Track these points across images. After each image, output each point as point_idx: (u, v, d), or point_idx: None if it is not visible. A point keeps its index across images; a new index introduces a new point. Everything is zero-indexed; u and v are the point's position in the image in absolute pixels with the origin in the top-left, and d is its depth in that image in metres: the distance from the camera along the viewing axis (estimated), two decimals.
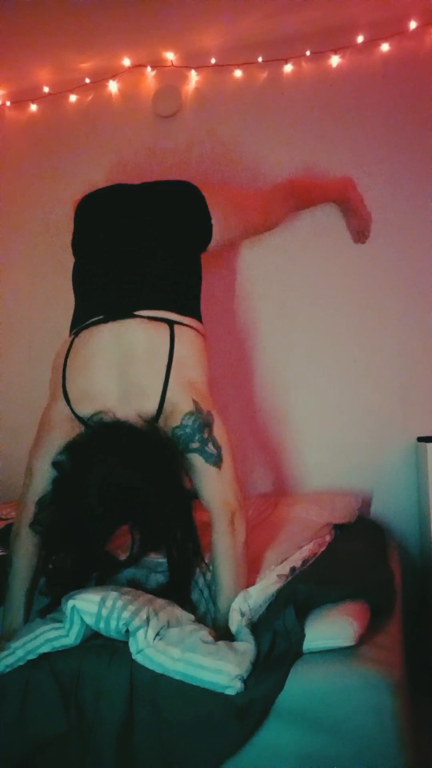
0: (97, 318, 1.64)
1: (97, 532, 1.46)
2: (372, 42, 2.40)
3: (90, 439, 1.52)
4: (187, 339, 1.62)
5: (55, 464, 1.53)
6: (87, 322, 1.66)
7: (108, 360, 1.58)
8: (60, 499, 1.49)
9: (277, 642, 1.30)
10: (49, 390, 1.65)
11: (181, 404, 1.54)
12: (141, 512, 1.44)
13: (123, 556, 1.54)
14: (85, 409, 1.56)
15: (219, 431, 1.56)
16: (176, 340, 1.59)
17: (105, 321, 1.62)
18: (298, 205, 2.27)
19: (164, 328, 1.60)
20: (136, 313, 1.62)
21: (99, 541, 1.50)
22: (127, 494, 1.42)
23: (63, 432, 1.56)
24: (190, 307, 1.73)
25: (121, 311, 1.63)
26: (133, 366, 1.56)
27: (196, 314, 1.74)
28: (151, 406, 1.54)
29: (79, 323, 1.69)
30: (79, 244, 1.88)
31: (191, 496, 1.53)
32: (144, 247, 1.76)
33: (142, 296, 1.66)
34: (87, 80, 2.65)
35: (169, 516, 1.46)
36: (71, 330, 1.71)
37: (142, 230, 1.79)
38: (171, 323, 1.61)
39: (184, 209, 1.87)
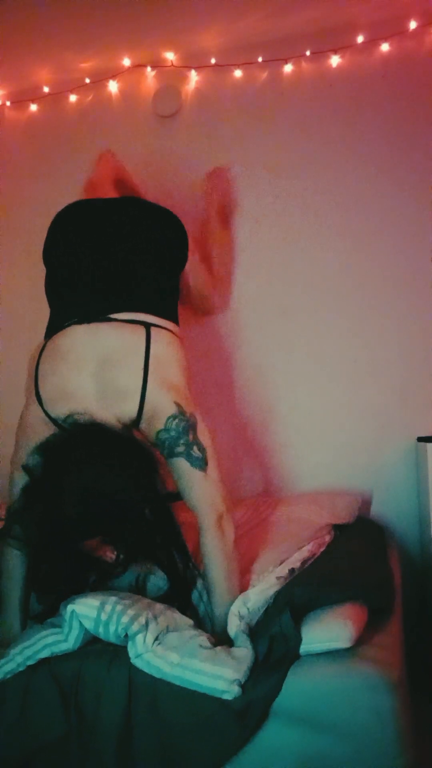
0: (71, 321, 1.61)
1: (75, 538, 1.41)
2: (372, 42, 2.40)
3: (64, 440, 1.47)
4: (163, 341, 1.59)
5: (25, 468, 1.49)
6: (61, 326, 1.62)
7: (83, 359, 1.54)
8: (31, 506, 1.42)
9: (274, 646, 1.30)
10: (25, 394, 1.61)
11: (162, 407, 1.51)
12: (119, 518, 1.40)
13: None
14: (59, 410, 1.51)
15: (202, 434, 1.54)
16: (152, 341, 1.56)
17: (79, 323, 1.59)
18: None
19: (140, 330, 1.57)
20: (112, 316, 1.60)
21: (77, 549, 1.44)
22: (103, 500, 1.37)
23: (37, 435, 1.52)
24: (167, 310, 1.70)
25: (96, 314, 1.60)
26: (109, 366, 1.53)
27: (174, 318, 1.71)
28: (130, 409, 1.51)
29: (54, 329, 1.65)
30: (51, 253, 1.83)
31: (173, 498, 1.51)
32: (120, 254, 1.73)
33: (118, 300, 1.64)
34: (87, 80, 2.65)
35: (148, 521, 1.42)
36: (46, 336, 1.67)
37: (119, 238, 1.77)
38: (147, 325, 1.59)
39: (164, 223, 1.87)
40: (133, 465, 1.43)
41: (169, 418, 1.50)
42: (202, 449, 1.52)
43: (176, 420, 1.50)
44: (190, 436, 1.51)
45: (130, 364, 1.53)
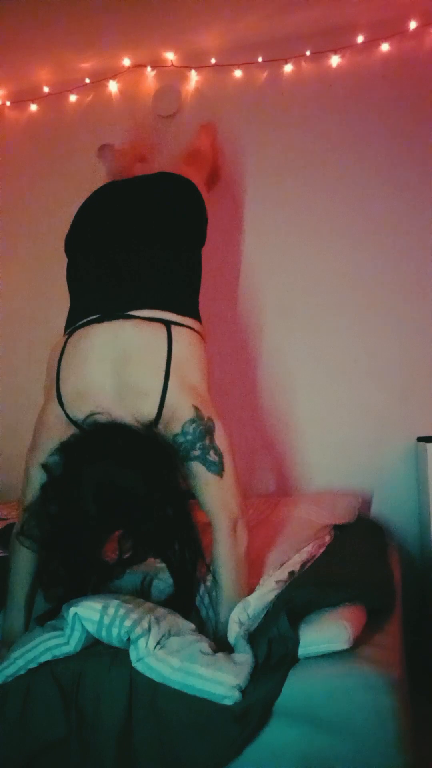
0: (91, 317, 1.60)
1: (90, 538, 1.41)
2: (372, 42, 2.40)
3: (83, 439, 1.47)
4: (185, 340, 1.57)
5: (44, 466, 1.49)
6: (81, 322, 1.61)
7: (103, 359, 1.52)
8: (48, 505, 1.43)
9: (273, 649, 1.30)
10: (44, 391, 1.60)
11: (181, 410, 1.49)
12: (137, 515, 1.39)
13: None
14: (79, 412, 1.50)
15: (220, 438, 1.52)
16: (174, 341, 1.54)
17: (100, 321, 1.58)
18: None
19: (161, 329, 1.55)
20: (132, 312, 1.58)
21: (92, 547, 1.44)
22: (123, 496, 1.37)
23: (58, 434, 1.51)
24: (189, 306, 1.67)
25: (116, 311, 1.58)
26: (130, 366, 1.51)
27: (195, 314, 1.68)
28: (149, 410, 1.49)
29: (74, 323, 1.64)
30: (72, 242, 1.84)
31: (189, 497, 1.50)
32: (140, 242, 1.72)
33: (138, 295, 1.62)
34: (87, 80, 2.65)
35: (168, 519, 1.41)
36: (65, 329, 1.67)
37: (137, 225, 1.75)
38: (168, 324, 1.57)
39: (182, 203, 1.84)
40: (151, 462, 1.41)
41: (186, 423, 1.48)
42: (218, 454, 1.50)
43: (193, 424, 1.48)
44: (207, 441, 1.49)
45: (151, 364, 1.51)
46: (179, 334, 1.56)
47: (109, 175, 2.30)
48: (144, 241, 1.73)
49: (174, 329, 1.56)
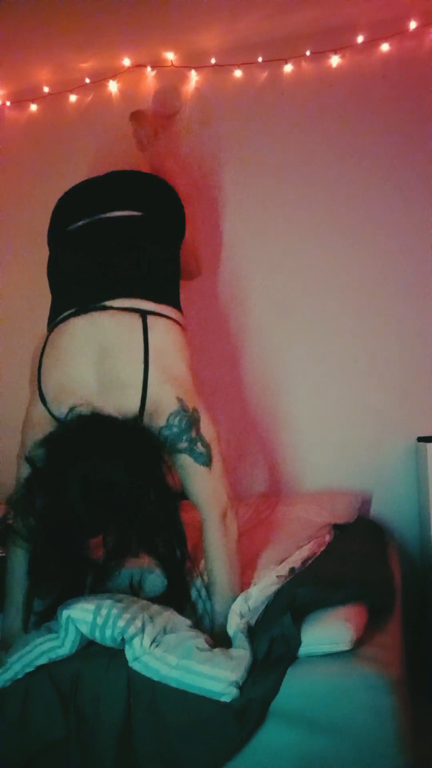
0: (68, 312, 1.59)
1: (78, 532, 1.39)
2: (372, 42, 2.40)
3: (67, 432, 1.45)
4: (162, 329, 1.55)
5: (28, 459, 1.46)
6: (60, 317, 1.60)
7: (83, 353, 1.51)
8: (32, 498, 1.40)
9: (274, 647, 1.30)
10: (29, 390, 1.59)
11: (165, 402, 1.48)
12: (124, 507, 1.37)
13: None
14: (62, 408, 1.49)
15: (206, 428, 1.51)
16: (150, 331, 1.52)
17: (76, 314, 1.56)
18: None
19: (136, 319, 1.53)
20: (107, 303, 1.56)
21: (80, 541, 1.43)
22: (109, 489, 1.35)
23: (42, 432, 1.50)
24: (166, 294, 1.64)
25: (92, 302, 1.56)
26: (109, 360, 1.49)
27: (173, 302, 1.66)
28: (132, 403, 1.47)
29: (54, 318, 1.63)
30: (51, 236, 1.84)
31: (178, 496, 1.48)
32: (116, 235, 1.71)
33: (114, 285, 1.60)
34: (87, 80, 2.65)
35: (154, 509, 1.39)
36: (48, 325, 1.65)
37: (114, 219, 1.75)
38: (143, 313, 1.55)
39: (158, 198, 1.85)
40: (136, 453, 1.40)
41: (171, 415, 1.47)
42: (205, 445, 1.49)
43: (178, 416, 1.47)
44: (193, 432, 1.48)
45: (130, 356, 1.49)
46: (155, 324, 1.54)
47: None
48: (120, 235, 1.72)
49: (150, 319, 1.54)
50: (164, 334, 1.55)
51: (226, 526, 1.50)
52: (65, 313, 1.59)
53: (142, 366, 1.48)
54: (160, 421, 1.48)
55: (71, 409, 1.47)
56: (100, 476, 1.35)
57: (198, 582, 1.54)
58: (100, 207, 1.78)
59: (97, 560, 1.47)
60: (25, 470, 1.48)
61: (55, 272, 1.76)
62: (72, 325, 1.56)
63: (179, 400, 1.49)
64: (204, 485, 1.50)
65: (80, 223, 1.77)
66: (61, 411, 1.49)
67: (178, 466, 1.49)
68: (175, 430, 1.47)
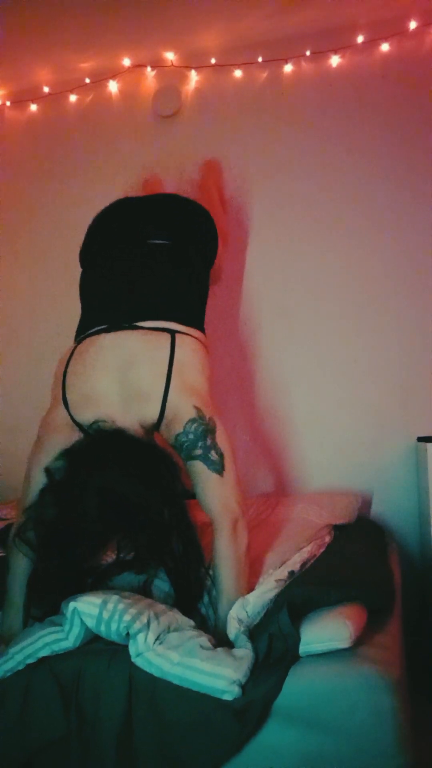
0: (99, 328, 1.65)
1: (89, 543, 1.43)
2: (372, 42, 2.40)
3: (88, 446, 1.50)
4: (188, 346, 1.62)
5: (47, 470, 1.51)
6: (89, 332, 1.66)
7: (108, 366, 1.57)
8: (46, 509, 1.45)
9: (273, 645, 1.30)
10: (51, 396, 1.64)
11: (183, 410, 1.53)
12: (138, 521, 1.42)
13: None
14: (85, 415, 1.54)
15: (221, 438, 1.55)
16: (177, 346, 1.59)
17: (107, 331, 1.63)
18: None
19: (165, 337, 1.60)
20: (138, 324, 1.63)
21: (90, 553, 1.46)
22: (124, 503, 1.39)
23: (62, 438, 1.55)
24: (194, 319, 1.73)
25: (124, 322, 1.63)
26: (134, 370, 1.55)
27: (200, 326, 1.74)
28: (152, 412, 1.53)
29: (82, 332, 1.70)
30: (86, 256, 1.90)
31: (189, 496, 1.52)
32: (151, 259, 1.77)
33: (146, 308, 1.67)
34: (87, 80, 2.65)
35: (167, 524, 1.44)
36: (75, 338, 1.72)
37: (152, 243, 1.81)
38: (173, 332, 1.62)
39: (196, 223, 1.91)
40: (152, 469, 1.45)
41: (188, 422, 1.52)
42: (219, 453, 1.53)
43: (195, 424, 1.52)
44: (209, 440, 1.52)
45: (154, 368, 1.55)
46: (183, 341, 1.62)
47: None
48: (153, 258, 1.79)
49: (178, 336, 1.62)
50: (190, 351, 1.62)
51: (236, 534, 1.52)
52: (95, 328, 1.66)
53: (164, 377, 1.54)
54: (177, 428, 1.52)
55: (94, 422, 1.53)
56: (117, 490, 1.40)
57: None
58: (136, 234, 1.84)
59: (103, 566, 1.50)
60: (41, 479, 1.52)
61: (87, 290, 1.83)
62: (101, 340, 1.62)
63: (197, 408, 1.54)
64: (216, 493, 1.53)
65: (115, 249, 1.83)
66: (84, 418, 1.55)
67: (192, 472, 1.53)
68: (191, 437, 1.51)
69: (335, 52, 2.43)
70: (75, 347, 1.66)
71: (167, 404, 1.53)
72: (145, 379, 1.55)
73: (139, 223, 1.88)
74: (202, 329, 1.75)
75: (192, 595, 1.51)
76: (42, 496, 1.48)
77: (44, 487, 1.49)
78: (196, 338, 1.67)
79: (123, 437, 1.50)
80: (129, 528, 1.43)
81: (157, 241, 1.82)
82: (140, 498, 1.40)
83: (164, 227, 1.86)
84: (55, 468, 1.50)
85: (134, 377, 1.55)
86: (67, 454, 1.51)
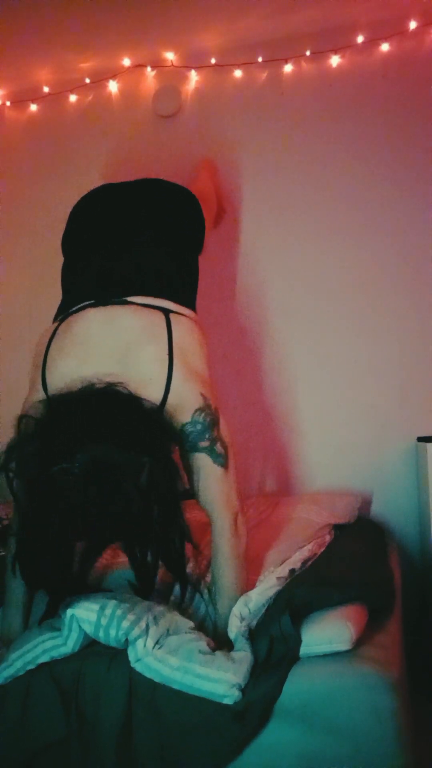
0: (85, 303, 1.53)
1: (71, 517, 1.24)
2: (372, 42, 2.40)
3: (79, 402, 1.31)
4: (184, 327, 1.52)
5: (24, 416, 1.34)
6: (73, 309, 1.53)
7: (100, 343, 1.44)
8: (27, 442, 1.28)
9: (274, 648, 1.29)
10: (29, 382, 1.51)
11: (189, 398, 1.43)
12: (129, 499, 1.25)
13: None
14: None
15: (224, 429, 1.48)
16: (173, 327, 1.49)
17: (95, 306, 1.51)
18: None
19: (159, 316, 1.50)
20: (129, 299, 1.52)
21: (72, 527, 1.27)
22: (116, 478, 1.23)
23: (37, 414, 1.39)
24: (186, 298, 1.63)
25: (112, 296, 1.52)
26: (132, 353, 1.44)
27: (192, 306, 1.65)
28: (153, 398, 1.41)
29: (65, 310, 1.56)
30: (68, 241, 1.82)
31: (187, 496, 1.45)
32: (138, 239, 1.69)
33: (135, 284, 1.57)
34: (87, 80, 2.65)
35: (161, 516, 1.30)
36: (55, 319, 1.58)
37: (136, 225, 1.74)
38: (166, 311, 1.52)
39: (181, 208, 1.85)
40: (157, 445, 1.32)
41: (196, 411, 1.42)
42: (224, 446, 1.47)
43: (203, 413, 1.43)
44: (215, 432, 1.45)
45: (154, 351, 1.45)
46: (178, 322, 1.52)
47: None
48: (141, 240, 1.71)
49: (172, 316, 1.52)
50: (187, 331, 1.52)
51: (237, 530, 1.49)
52: (81, 304, 1.54)
53: (167, 361, 1.44)
54: (184, 417, 1.43)
55: (86, 383, 1.36)
56: (110, 463, 1.23)
57: (200, 585, 1.53)
58: (120, 217, 1.77)
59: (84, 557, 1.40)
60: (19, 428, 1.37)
61: (69, 273, 1.73)
62: (88, 315, 1.50)
63: (203, 396, 1.45)
64: (219, 487, 1.47)
65: (99, 233, 1.76)
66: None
67: (195, 465, 1.45)
68: (199, 427, 1.43)
69: (335, 52, 2.43)
70: (57, 326, 1.52)
71: (171, 389, 1.42)
72: (146, 363, 1.43)
73: (123, 207, 1.80)
74: (194, 309, 1.65)
75: (179, 565, 1.41)
76: (17, 447, 1.31)
77: (19, 438, 1.33)
78: (190, 318, 1.58)
79: (122, 399, 1.34)
80: (119, 505, 1.25)
81: (142, 224, 1.74)
82: (134, 475, 1.25)
83: (149, 210, 1.79)
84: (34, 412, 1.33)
85: (134, 361, 1.43)
86: (51, 400, 1.34)
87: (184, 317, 1.56)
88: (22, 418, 1.36)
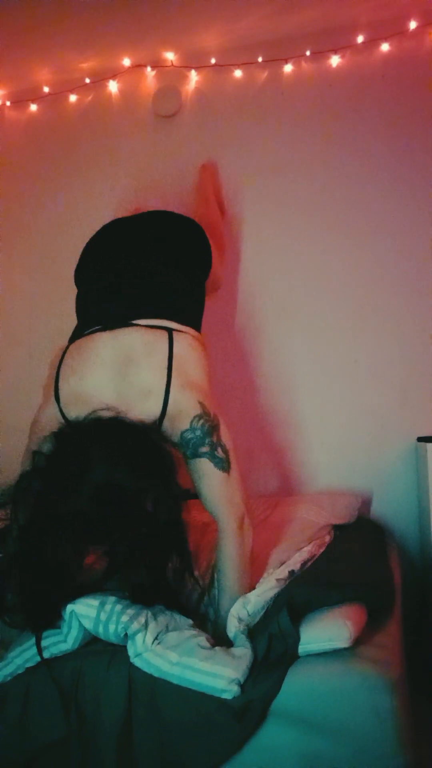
0: (95, 327, 1.62)
1: (78, 539, 1.33)
2: (372, 42, 2.40)
3: (81, 430, 1.40)
4: (185, 341, 1.59)
5: (35, 453, 1.42)
6: (85, 332, 1.63)
7: (104, 362, 1.52)
8: (27, 486, 1.34)
9: (273, 645, 1.30)
10: (43, 394, 1.59)
11: (187, 406, 1.49)
12: (133, 519, 1.32)
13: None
14: (77, 412, 1.47)
15: (225, 435, 1.53)
16: (175, 342, 1.55)
17: (103, 330, 1.60)
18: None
19: (162, 334, 1.57)
20: (134, 322, 1.60)
21: (77, 551, 1.36)
22: (124, 502, 1.31)
23: (51, 430, 1.45)
24: (191, 320, 1.70)
25: (119, 321, 1.60)
26: (132, 367, 1.51)
27: (197, 327, 1.72)
28: (153, 408, 1.48)
29: (77, 335, 1.65)
30: (79, 275, 1.90)
31: (190, 497, 1.49)
32: (145, 268, 1.76)
33: (141, 308, 1.64)
34: (87, 80, 2.65)
35: (164, 531, 1.35)
36: (69, 342, 1.66)
37: (143, 253, 1.80)
38: (170, 330, 1.59)
39: (188, 236, 1.92)
40: (149, 462, 1.37)
41: (194, 418, 1.48)
42: (225, 450, 1.51)
43: (201, 420, 1.48)
44: (215, 437, 1.49)
45: (153, 363, 1.51)
46: (180, 337, 1.59)
47: None
48: (147, 267, 1.77)
49: (175, 333, 1.59)
50: (187, 345, 1.58)
51: (242, 533, 1.51)
52: (90, 329, 1.62)
53: (165, 373, 1.50)
54: (183, 425, 1.48)
55: (92, 413, 1.44)
56: (110, 479, 1.31)
57: (200, 589, 1.53)
58: (130, 249, 1.84)
59: (91, 572, 1.42)
60: (28, 464, 1.44)
61: (82, 303, 1.80)
62: (97, 337, 1.58)
63: (201, 404, 1.50)
64: (222, 491, 1.50)
65: (109, 264, 1.82)
66: (76, 415, 1.47)
67: (197, 470, 1.50)
68: (198, 433, 1.48)
69: (335, 52, 2.43)
70: (68, 346, 1.62)
71: (169, 400, 1.48)
72: (145, 376, 1.50)
73: (131, 238, 1.88)
74: (199, 330, 1.73)
75: (176, 600, 1.45)
76: (26, 477, 1.38)
77: (28, 470, 1.39)
78: (193, 336, 1.64)
79: (119, 424, 1.41)
80: (126, 529, 1.33)
81: (149, 252, 1.81)
82: (137, 493, 1.32)
83: (156, 239, 1.86)
84: (45, 450, 1.41)
85: (134, 374, 1.50)
86: (57, 435, 1.41)
87: (187, 334, 1.62)
88: (35, 454, 1.43)
